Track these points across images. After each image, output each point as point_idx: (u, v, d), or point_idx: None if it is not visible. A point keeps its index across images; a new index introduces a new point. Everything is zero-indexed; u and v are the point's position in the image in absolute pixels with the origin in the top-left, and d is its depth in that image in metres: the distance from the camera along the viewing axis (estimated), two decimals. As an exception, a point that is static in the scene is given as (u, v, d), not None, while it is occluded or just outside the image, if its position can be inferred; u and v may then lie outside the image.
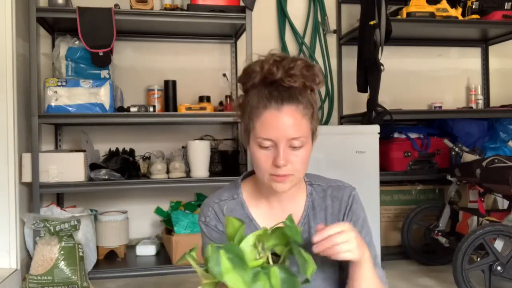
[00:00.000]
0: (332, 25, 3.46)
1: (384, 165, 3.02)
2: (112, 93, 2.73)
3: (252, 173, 1.19)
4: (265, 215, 1.15)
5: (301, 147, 1.03)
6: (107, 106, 2.69)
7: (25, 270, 2.58)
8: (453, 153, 2.84)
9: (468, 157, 2.72)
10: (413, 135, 3.17)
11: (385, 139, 3.05)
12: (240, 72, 1.12)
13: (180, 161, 2.91)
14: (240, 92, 1.13)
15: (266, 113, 1.01)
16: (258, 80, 1.04)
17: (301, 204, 1.15)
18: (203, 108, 2.90)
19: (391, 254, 2.98)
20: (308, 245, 1.12)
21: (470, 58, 3.74)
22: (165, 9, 2.88)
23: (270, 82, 1.04)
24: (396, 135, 3.18)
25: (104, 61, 2.69)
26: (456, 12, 3.10)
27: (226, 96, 3.13)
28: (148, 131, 3.24)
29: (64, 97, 2.64)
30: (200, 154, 2.87)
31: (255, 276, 0.83)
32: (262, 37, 3.22)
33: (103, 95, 2.69)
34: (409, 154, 3.09)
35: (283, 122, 1.00)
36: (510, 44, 3.57)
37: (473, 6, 3.16)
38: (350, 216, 1.14)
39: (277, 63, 1.03)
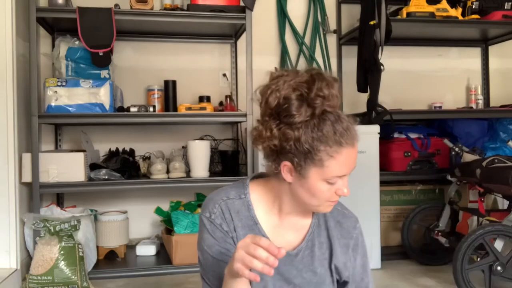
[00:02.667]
0: (332, 25, 3.45)
1: (384, 165, 3.02)
2: (112, 93, 2.72)
3: (261, 176, 1.18)
4: (273, 222, 1.13)
5: None
6: (107, 106, 2.69)
7: (25, 270, 2.57)
8: (453, 153, 2.84)
9: (468, 157, 2.72)
10: (413, 135, 3.16)
11: (385, 139, 3.04)
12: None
13: (180, 161, 2.90)
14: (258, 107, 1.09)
15: (343, 152, 1.02)
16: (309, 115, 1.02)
17: (307, 220, 1.16)
18: (203, 108, 2.90)
19: (391, 254, 2.97)
20: (309, 262, 1.12)
21: (470, 58, 3.74)
22: (165, 9, 2.87)
23: (321, 113, 1.03)
24: (396, 135, 3.17)
25: (104, 61, 2.69)
26: (456, 12, 3.10)
27: (226, 96, 3.12)
28: (148, 131, 3.23)
29: (64, 97, 2.64)
30: (200, 154, 2.87)
31: None
32: (262, 37, 3.22)
33: (103, 95, 2.69)
34: (409, 154, 3.08)
35: (355, 158, 1.05)
36: (510, 44, 3.57)
37: (473, 6, 3.16)
38: (357, 251, 1.18)
39: (321, 98, 1.02)
